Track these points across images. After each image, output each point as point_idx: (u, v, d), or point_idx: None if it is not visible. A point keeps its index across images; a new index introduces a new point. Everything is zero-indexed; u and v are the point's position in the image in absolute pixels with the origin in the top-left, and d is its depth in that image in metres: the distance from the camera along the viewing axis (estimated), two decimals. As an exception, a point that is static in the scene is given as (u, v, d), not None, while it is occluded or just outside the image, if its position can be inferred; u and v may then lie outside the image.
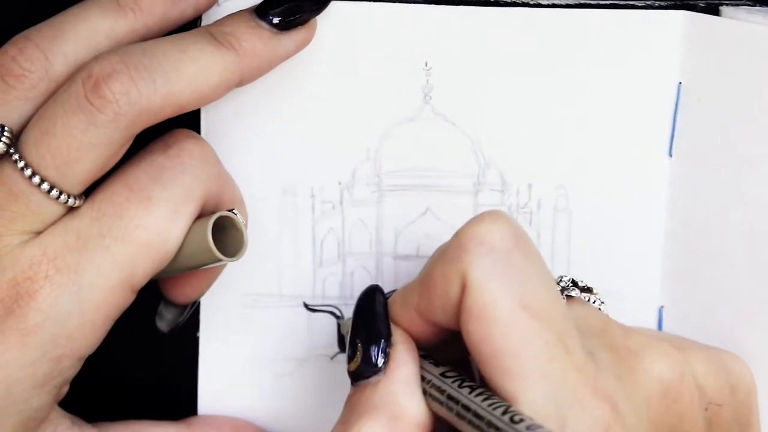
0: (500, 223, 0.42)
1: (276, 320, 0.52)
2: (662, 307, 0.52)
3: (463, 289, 0.41)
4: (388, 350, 0.43)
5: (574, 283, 0.46)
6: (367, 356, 0.43)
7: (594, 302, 0.46)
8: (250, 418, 0.53)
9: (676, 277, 0.51)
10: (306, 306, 0.52)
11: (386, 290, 0.46)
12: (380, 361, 0.43)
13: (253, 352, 0.52)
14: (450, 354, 0.44)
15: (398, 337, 0.44)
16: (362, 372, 0.43)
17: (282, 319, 0.52)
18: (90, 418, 0.49)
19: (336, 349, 0.52)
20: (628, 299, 0.51)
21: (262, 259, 0.51)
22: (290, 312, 0.52)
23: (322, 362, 0.52)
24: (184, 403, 0.52)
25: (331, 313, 0.52)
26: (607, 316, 0.46)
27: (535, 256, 0.42)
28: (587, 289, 0.46)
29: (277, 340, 0.52)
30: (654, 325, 0.52)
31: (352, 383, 0.43)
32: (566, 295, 0.46)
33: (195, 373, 0.52)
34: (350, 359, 0.43)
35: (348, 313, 0.52)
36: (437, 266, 0.42)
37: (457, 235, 0.42)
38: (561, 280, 0.46)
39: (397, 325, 0.44)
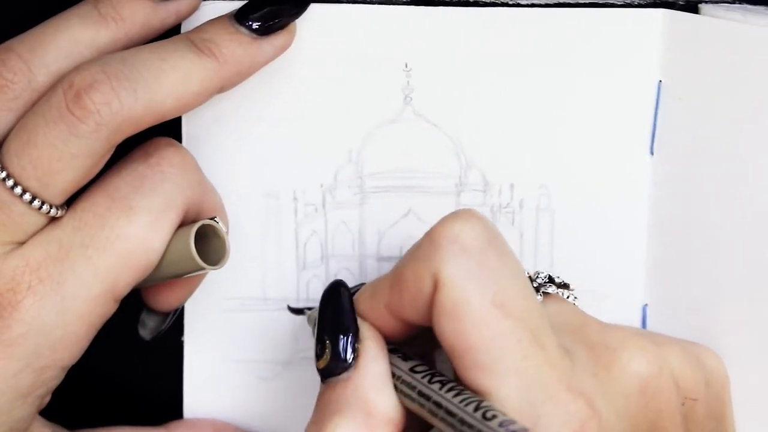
0: (473, 221, 0.42)
1: (260, 323, 0.52)
2: (646, 305, 0.52)
3: (436, 286, 0.41)
4: (357, 345, 0.43)
5: (551, 280, 0.46)
6: (335, 352, 0.43)
7: (568, 297, 0.46)
8: (235, 421, 0.53)
9: (660, 275, 0.51)
10: (290, 308, 0.52)
11: (352, 285, 0.46)
12: (350, 357, 0.43)
13: (237, 355, 0.52)
14: (416, 349, 0.45)
15: (366, 332, 0.43)
16: (332, 369, 0.43)
17: (266, 322, 0.52)
18: (73, 425, 0.48)
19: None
20: (612, 298, 0.52)
21: (245, 263, 0.51)
22: (274, 315, 0.52)
23: (307, 365, 0.52)
24: (169, 408, 0.52)
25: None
26: (584, 312, 0.46)
27: (507, 255, 0.42)
28: (564, 285, 0.46)
29: (261, 344, 0.52)
30: (638, 324, 0.52)
31: (321, 381, 0.43)
32: (543, 292, 0.46)
33: (180, 377, 0.52)
34: (319, 356, 0.43)
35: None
36: (409, 264, 0.42)
37: (430, 233, 0.42)
38: (538, 277, 0.46)
39: (366, 320, 0.44)
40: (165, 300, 0.48)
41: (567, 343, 0.43)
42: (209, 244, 0.46)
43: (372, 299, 0.44)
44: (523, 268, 0.43)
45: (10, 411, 0.44)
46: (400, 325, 0.44)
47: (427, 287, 0.41)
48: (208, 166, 0.48)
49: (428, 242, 0.42)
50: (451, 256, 0.41)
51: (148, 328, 0.49)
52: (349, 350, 0.43)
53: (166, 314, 0.49)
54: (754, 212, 0.48)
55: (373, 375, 0.42)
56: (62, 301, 0.43)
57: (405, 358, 0.43)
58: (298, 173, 0.51)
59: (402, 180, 0.51)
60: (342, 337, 0.43)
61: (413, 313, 0.42)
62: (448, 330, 0.41)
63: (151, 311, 0.49)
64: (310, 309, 0.51)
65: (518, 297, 0.41)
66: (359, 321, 0.44)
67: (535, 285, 0.46)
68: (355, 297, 0.45)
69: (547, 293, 0.46)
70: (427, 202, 0.51)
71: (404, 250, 0.50)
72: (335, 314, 0.44)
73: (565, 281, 0.47)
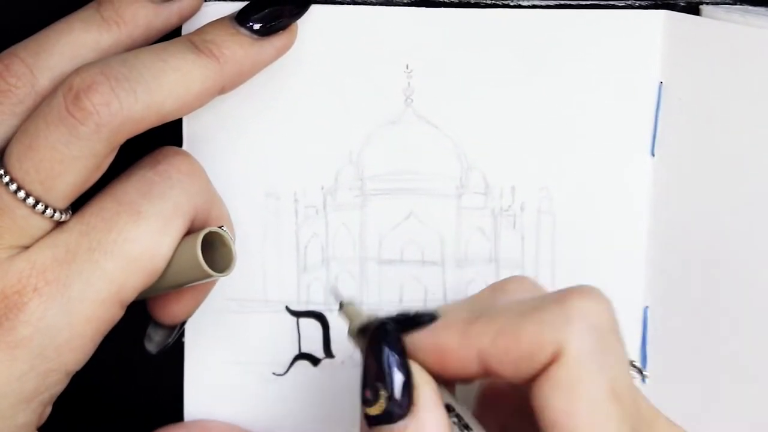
0: (605, 302, 0.41)
1: (261, 325, 0.52)
2: (647, 307, 0.52)
3: (555, 358, 0.39)
4: (411, 392, 0.41)
5: (631, 364, 0.45)
6: (391, 400, 0.41)
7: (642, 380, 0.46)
8: (236, 422, 0.53)
9: (661, 277, 0.51)
10: (289, 310, 0.52)
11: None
12: (404, 404, 0.40)
13: (238, 357, 0.52)
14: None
15: (421, 377, 0.41)
16: (387, 417, 0.40)
17: (267, 324, 0.52)
18: (72, 428, 0.48)
19: (321, 354, 0.52)
20: (613, 300, 0.51)
21: (246, 265, 0.50)
22: (275, 317, 0.52)
23: (307, 367, 0.52)
24: (170, 409, 0.52)
25: (315, 317, 0.52)
26: (654, 405, 0.45)
27: (623, 344, 0.41)
28: (639, 371, 0.45)
29: (262, 345, 0.52)
30: (639, 325, 0.52)
31: (368, 425, 0.41)
32: None
33: (180, 378, 0.52)
34: (369, 402, 0.41)
35: (331, 317, 0.52)
36: (531, 324, 0.40)
37: (561, 302, 0.40)
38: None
39: (443, 356, 0.41)
40: (171, 312, 0.48)
41: None
42: (216, 253, 0.46)
43: (463, 339, 0.41)
44: None
45: (13, 415, 0.44)
46: (479, 370, 0.41)
47: (544, 354, 0.40)
48: (208, 167, 0.48)
49: (558, 310, 0.40)
50: (581, 333, 0.39)
51: (154, 342, 0.49)
52: (406, 397, 0.41)
53: (172, 328, 0.49)
54: (754, 213, 0.48)
55: (432, 425, 0.41)
56: (68, 304, 0.43)
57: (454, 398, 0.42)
58: (298, 175, 0.51)
59: (403, 182, 0.51)
60: (397, 382, 0.41)
61: (512, 370, 0.40)
62: (558, 405, 0.39)
63: (158, 325, 0.49)
64: (311, 312, 0.51)
65: (629, 387, 0.40)
66: (412, 366, 0.41)
67: None
68: (434, 329, 0.42)
69: None
70: (428, 204, 0.51)
71: (405, 253, 0.51)
72: (388, 358, 0.41)
73: (639, 366, 0.45)
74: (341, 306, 0.45)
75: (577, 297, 0.40)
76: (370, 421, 0.41)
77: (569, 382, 0.39)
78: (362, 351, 0.42)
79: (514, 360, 0.40)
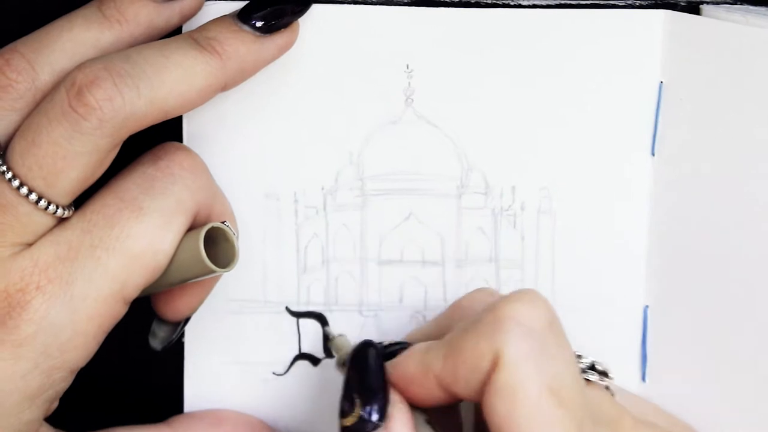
0: (539, 304, 0.42)
1: (261, 326, 0.52)
2: (647, 306, 0.52)
3: (494, 365, 0.40)
4: (386, 408, 0.42)
5: (592, 367, 0.45)
6: (365, 413, 0.42)
7: (607, 386, 0.46)
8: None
9: (661, 277, 0.51)
10: (289, 311, 0.52)
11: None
12: (377, 419, 0.42)
13: (238, 357, 0.52)
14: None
15: (396, 395, 0.43)
16: (359, 428, 0.42)
17: (267, 324, 0.52)
18: (72, 426, 0.48)
19: (321, 354, 0.52)
20: (614, 299, 0.52)
21: (246, 265, 0.50)
22: (275, 318, 0.52)
23: (307, 367, 0.52)
24: (170, 409, 0.52)
25: (315, 317, 0.52)
26: (620, 404, 0.45)
27: (565, 341, 0.42)
28: (604, 373, 0.46)
29: (261, 346, 0.52)
30: (639, 325, 0.52)
31: None
32: (584, 378, 0.45)
33: (180, 379, 0.52)
34: (345, 413, 0.42)
35: (332, 318, 0.51)
36: (469, 338, 0.41)
37: (494, 310, 0.41)
38: (580, 362, 0.45)
39: (409, 385, 0.43)
40: (175, 309, 0.48)
41: None
42: (218, 249, 0.46)
43: (422, 367, 0.43)
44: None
45: (18, 413, 0.43)
46: (442, 395, 0.43)
47: (485, 364, 0.41)
48: (209, 166, 0.48)
49: (492, 319, 0.41)
50: (514, 337, 0.40)
51: (158, 339, 0.49)
52: (379, 412, 0.42)
53: (176, 324, 0.49)
54: (755, 213, 0.48)
55: None
56: (71, 302, 0.43)
57: (428, 423, 0.44)
58: (298, 175, 0.51)
59: (403, 182, 0.51)
60: (373, 397, 0.42)
61: (464, 387, 0.42)
62: (501, 411, 0.40)
63: (162, 321, 0.49)
64: (311, 312, 0.51)
65: (572, 386, 0.41)
66: (388, 385, 0.43)
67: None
68: (399, 360, 0.44)
69: (588, 380, 0.45)
70: (428, 204, 0.51)
71: (405, 253, 0.51)
72: (367, 373, 0.43)
73: (605, 368, 0.46)
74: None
75: (509, 303, 0.41)
76: (345, 431, 0.42)
77: (508, 386, 0.40)
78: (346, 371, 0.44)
79: (464, 376, 0.41)
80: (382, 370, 0.43)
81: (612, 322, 0.52)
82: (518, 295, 0.42)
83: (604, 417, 0.44)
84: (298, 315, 0.52)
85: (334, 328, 0.51)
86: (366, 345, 0.44)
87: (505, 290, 0.51)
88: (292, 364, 0.52)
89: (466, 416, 0.47)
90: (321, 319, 0.52)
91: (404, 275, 0.52)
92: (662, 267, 0.51)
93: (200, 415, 0.51)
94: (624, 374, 0.52)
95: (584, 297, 0.51)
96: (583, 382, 0.42)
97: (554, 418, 0.40)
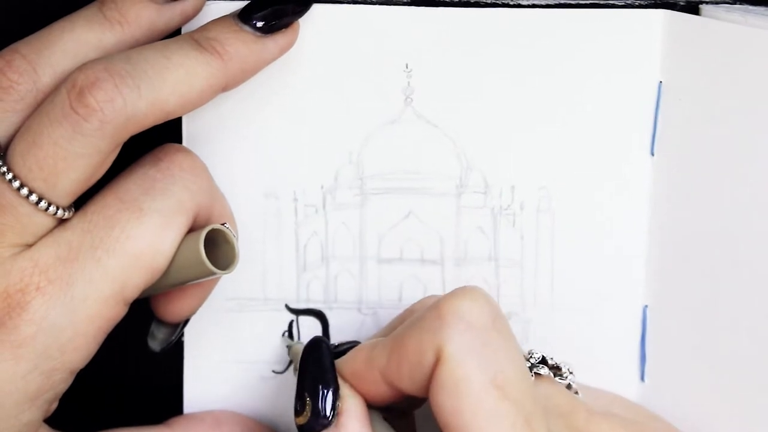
0: (480, 300, 0.42)
1: (260, 324, 0.52)
2: (646, 306, 0.52)
3: (437, 360, 0.41)
4: (337, 403, 0.43)
5: (544, 361, 0.46)
6: (316, 410, 0.43)
7: (566, 377, 0.46)
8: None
9: (660, 276, 0.51)
10: (288, 308, 0.52)
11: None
12: (330, 415, 0.43)
13: (237, 355, 0.52)
14: (397, 406, 0.45)
15: (346, 390, 0.44)
16: (312, 426, 0.43)
17: (266, 322, 0.52)
18: (72, 426, 0.48)
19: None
20: (613, 299, 0.52)
21: (246, 264, 0.50)
22: (274, 316, 0.52)
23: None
24: (170, 408, 0.52)
25: (315, 315, 0.52)
26: (574, 397, 0.46)
27: (509, 336, 0.42)
28: (556, 367, 0.46)
29: (261, 344, 0.52)
30: (638, 325, 0.52)
31: None
32: (535, 373, 0.46)
33: (180, 377, 0.52)
34: (298, 412, 0.43)
35: (331, 316, 0.52)
36: (412, 334, 0.42)
37: (437, 307, 0.42)
38: (531, 357, 0.46)
39: (357, 382, 0.44)
40: (175, 310, 0.48)
41: (553, 427, 0.43)
42: (218, 251, 0.46)
43: (367, 363, 0.44)
44: (521, 349, 0.43)
45: (17, 414, 0.43)
46: (390, 392, 0.43)
47: (428, 360, 0.41)
48: (208, 166, 0.48)
49: (434, 315, 0.42)
50: (457, 333, 0.41)
51: (158, 340, 0.49)
52: (330, 407, 0.43)
53: (175, 325, 0.49)
54: (754, 213, 0.48)
55: None
56: (71, 302, 0.43)
57: (385, 420, 0.44)
58: (298, 174, 0.51)
59: (402, 181, 0.51)
60: (322, 393, 0.43)
61: (409, 383, 0.42)
62: (446, 406, 0.41)
63: (161, 323, 0.49)
64: (292, 338, 0.51)
65: (517, 380, 0.41)
66: (340, 381, 0.44)
67: (528, 365, 0.45)
68: (347, 357, 0.44)
69: (539, 374, 0.46)
70: (428, 203, 0.51)
71: (405, 252, 0.51)
72: (316, 370, 0.44)
73: (558, 363, 0.46)
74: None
75: (451, 299, 0.42)
76: (300, 430, 0.43)
77: (452, 381, 0.41)
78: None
79: (408, 372, 0.42)
80: (331, 366, 0.44)
81: (611, 321, 0.52)
82: (460, 291, 0.42)
83: (555, 410, 0.44)
84: (297, 313, 0.52)
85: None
86: (316, 342, 0.45)
87: (504, 290, 0.51)
88: (291, 362, 0.52)
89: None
90: (320, 316, 0.52)
91: (403, 274, 0.52)
92: (662, 267, 0.51)
93: (199, 417, 0.51)
94: (623, 374, 0.52)
95: (583, 296, 0.51)
96: (530, 376, 0.43)
97: (499, 411, 0.40)
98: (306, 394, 0.43)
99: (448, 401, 0.40)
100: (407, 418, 0.47)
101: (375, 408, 0.44)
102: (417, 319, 0.42)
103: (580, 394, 0.46)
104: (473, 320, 0.41)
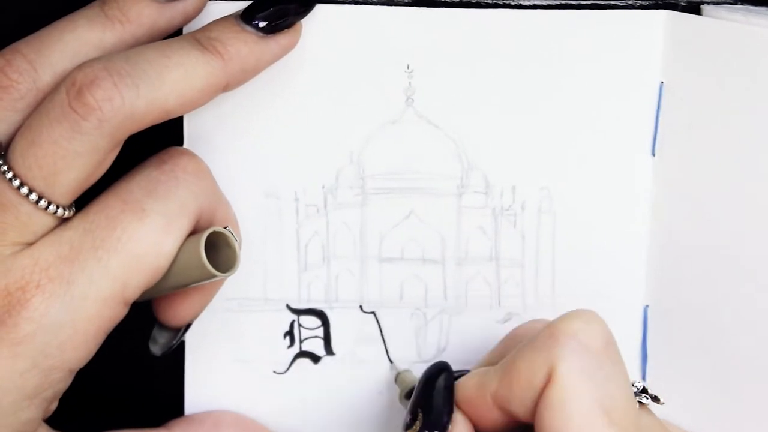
0: (595, 323, 0.42)
1: (261, 324, 0.52)
2: (647, 306, 0.52)
3: (548, 380, 0.41)
4: (449, 426, 0.43)
5: (644, 390, 0.45)
6: (426, 425, 0.43)
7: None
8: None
9: (661, 276, 0.51)
10: (289, 308, 0.52)
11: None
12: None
13: (238, 355, 0.52)
14: None
15: (459, 415, 0.43)
16: None
17: (267, 322, 0.52)
18: (72, 427, 0.48)
19: (322, 352, 0.52)
20: (614, 299, 0.52)
21: (246, 264, 0.50)
22: (275, 315, 0.52)
23: (307, 365, 0.52)
24: (170, 408, 0.52)
25: (316, 315, 0.52)
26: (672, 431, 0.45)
27: (620, 361, 0.42)
28: (655, 398, 0.45)
29: (262, 344, 0.52)
30: (639, 325, 0.52)
31: None
32: (638, 402, 0.45)
33: (181, 377, 0.52)
34: (408, 426, 0.43)
35: (333, 316, 0.52)
36: (524, 354, 0.42)
37: (550, 327, 0.42)
38: (633, 385, 0.45)
39: (468, 408, 0.43)
40: (176, 314, 0.48)
41: None
42: (220, 254, 0.46)
43: (478, 388, 0.43)
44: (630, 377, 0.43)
45: (15, 412, 0.43)
46: (501, 417, 0.43)
47: (539, 380, 0.41)
48: (210, 166, 0.48)
49: (548, 335, 0.41)
50: (570, 353, 0.41)
51: (159, 344, 0.49)
52: (440, 427, 0.43)
53: (176, 330, 0.49)
54: (754, 213, 0.48)
55: None
56: (71, 301, 0.43)
57: None
58: (299, 174, 0.51)
59: (403, 181, 0.51)
60: (436, 413, 0.43)
61: (520, 405, 0.42)
62: (552, 425, 0.40)
63: (163, 327, 0.49)
64: (399, 370, 0.52)
65: (624, 407, 0.41)
66: (454, 408, 0.44)
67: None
68: (459, 381, 0.44)
69: (642, 403, 0.45)
70: (429, 203, 0.51)
71: (406, 252, 0.51)
72: (434, 391, 0.44)
73: (657, 394, 0.46)
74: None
75: (567, 320, 0.42)
76: None
77: (560, 401, 0.40)
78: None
79: (519, 392, 0.42)
80: (450, 390, 0.44)
81: (612, 322, 0.51)
82: (575, 313, 0.42)
83: None
84: (298, 312, 0.52)
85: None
86: (440, 366, 0.44)
87: (505, 290, 0.51)
88: (292, 362, 0.52)
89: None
90: (322, 316, 0.52)
91: (404, 273, 0.52)
92: (662, 267, 0.51)
93: (199, 418, 0.51)
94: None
95: (584, 297, 0.51)
96: (636, 405, 0.42)
97: None
98: (419, 410, 0.43)
99: (554, 422, 0.40)
100: None
101: None
102: (530, 341, 0.42)
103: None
104: (587, 342, 0.41)
